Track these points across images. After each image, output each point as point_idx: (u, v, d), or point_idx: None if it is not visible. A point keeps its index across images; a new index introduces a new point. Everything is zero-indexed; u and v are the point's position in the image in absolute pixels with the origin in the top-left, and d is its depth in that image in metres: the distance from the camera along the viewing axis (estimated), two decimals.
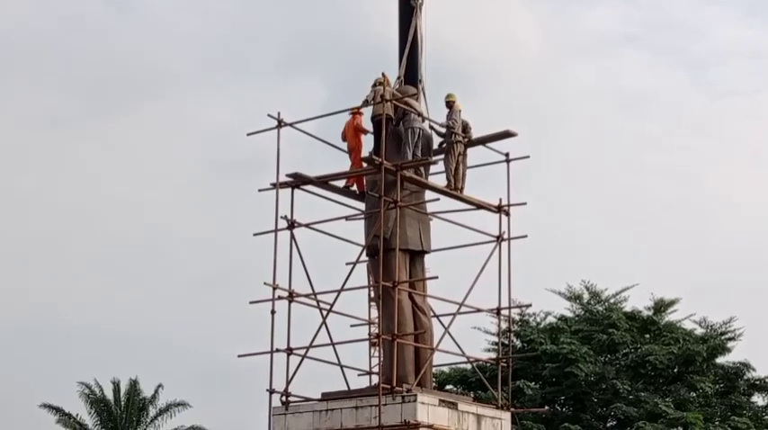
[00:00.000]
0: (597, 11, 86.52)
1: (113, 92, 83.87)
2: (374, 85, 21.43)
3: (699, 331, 40.31)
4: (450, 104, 21.93)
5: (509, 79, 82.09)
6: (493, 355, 29.02)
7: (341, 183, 21.93)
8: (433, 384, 22.84)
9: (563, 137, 78.82)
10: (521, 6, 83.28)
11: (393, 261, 20.31)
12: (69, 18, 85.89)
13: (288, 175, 21.37)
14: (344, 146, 22.05)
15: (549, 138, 75.63)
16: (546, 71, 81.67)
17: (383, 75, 21.46)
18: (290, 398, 20.56)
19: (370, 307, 22.54)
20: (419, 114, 21.48)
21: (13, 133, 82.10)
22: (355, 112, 21.77)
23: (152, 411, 54.62)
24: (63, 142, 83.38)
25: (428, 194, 21.67)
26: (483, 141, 22.02)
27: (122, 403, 54.35)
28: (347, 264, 20.89)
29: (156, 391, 54.54)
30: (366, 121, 21.81)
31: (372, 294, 22.22)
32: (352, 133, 21.82)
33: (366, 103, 21.36)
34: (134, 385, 54.67)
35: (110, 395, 54.63)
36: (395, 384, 19.60)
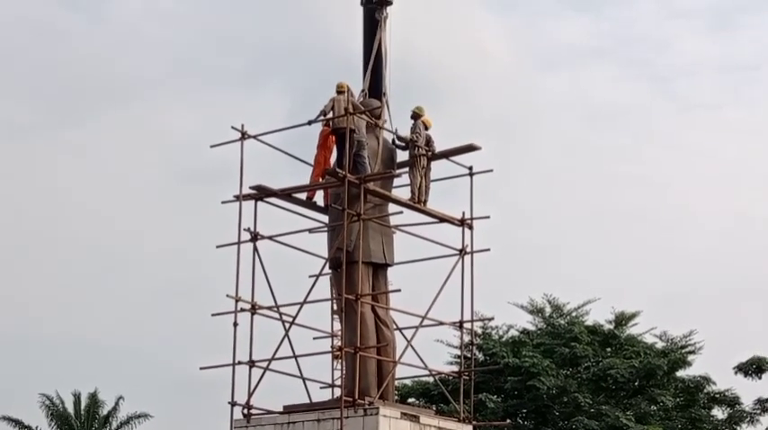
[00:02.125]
0: (565, 24, 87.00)
1: (78, 100, 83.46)
2: (337, 92, 21.28)
3: (659, 345, 40.62)
4: (415, 116, 21.91)
5: (478, 92, 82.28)
6: (455, 368, 29.08)
7: (304, 196, 21.90)
8: (396, 397, 22.84)
9: (530, 149, 79.22)
10: (490, 19, 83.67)
11: (356, 274, 20.31)
12: (35, 25, 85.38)
13: (251, 187, 21.33)
14: (308, 158, 21.99)
15: (516, 150, 76.05)
16: (514, 84, 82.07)
17: (347, 87, 21.39)
18: (252, 411, 20.49)
19: (332, 319, 22.53)
20: (375, 125, 21.43)
21: None
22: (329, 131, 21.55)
23: (113, 423, 54.30)
24: (27, 150, 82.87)
25: (391, 207, 21.69)
26: (446, 155, 22.04)
27: (83, 416, 53.97)
28: (310, 276, 20.88)
29: (117, 403, 54.26)
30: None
31: (335, 307, 22.21)
32: (322, 146, 21.64)
33: (323, 113, 21.26)
34: (94, 398, 54.29)
35: (71, 407, 54.24)
36: (357, 397, 19.59)
